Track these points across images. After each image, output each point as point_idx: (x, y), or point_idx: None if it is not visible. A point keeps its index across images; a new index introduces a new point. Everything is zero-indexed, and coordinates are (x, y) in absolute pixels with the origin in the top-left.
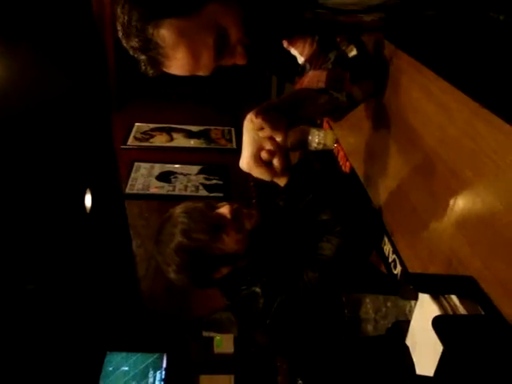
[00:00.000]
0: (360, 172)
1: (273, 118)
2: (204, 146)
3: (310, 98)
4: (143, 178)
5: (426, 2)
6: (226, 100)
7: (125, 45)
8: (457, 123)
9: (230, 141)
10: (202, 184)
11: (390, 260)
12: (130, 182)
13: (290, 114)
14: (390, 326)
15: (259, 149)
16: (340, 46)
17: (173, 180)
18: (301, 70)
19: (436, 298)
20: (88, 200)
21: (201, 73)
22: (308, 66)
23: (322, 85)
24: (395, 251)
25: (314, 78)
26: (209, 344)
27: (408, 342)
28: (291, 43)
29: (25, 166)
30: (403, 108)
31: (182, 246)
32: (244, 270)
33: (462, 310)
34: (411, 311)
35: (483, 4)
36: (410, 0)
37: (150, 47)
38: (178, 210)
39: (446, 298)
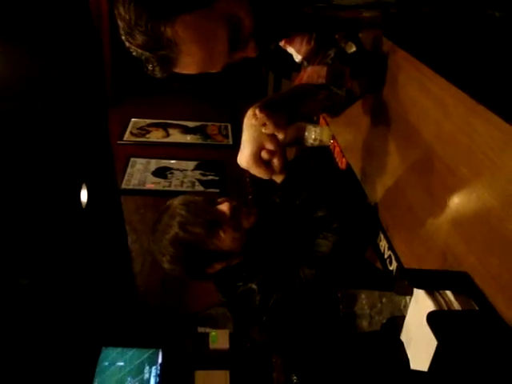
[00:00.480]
0: (356, 168)
1: (276, 114)
2: (200, 141)
3: (310, 94)
4: (139, 173)
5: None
6: (222, 96)
7: (130, 45)
8: (453, 120)
9: (227, 137)
10: (198, 180)
11: (386, 256)
12: (126, 178)
13: (290, 110)
14: (384, 321)
15: (260, 148)
16: (339, 43)
17: (169, 176)
18: (298, 67)
19: (431, 293)
20: (84, 195)
21: (213, 69)
22: (305, 63)
23: (322, 80)
24: (391, 247)
25: (313, 74)
26: (204, 340)
27: (403, 337)
28: (288, 41)
29: (21, 161)
30: (400, 104)
31: (177, 238)
32: (240, 266)
33: (456, 306)
34: (406, 307)
35: (480, 1)
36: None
37: (162, 46)
38: (177, 201)
39: (440, 294)
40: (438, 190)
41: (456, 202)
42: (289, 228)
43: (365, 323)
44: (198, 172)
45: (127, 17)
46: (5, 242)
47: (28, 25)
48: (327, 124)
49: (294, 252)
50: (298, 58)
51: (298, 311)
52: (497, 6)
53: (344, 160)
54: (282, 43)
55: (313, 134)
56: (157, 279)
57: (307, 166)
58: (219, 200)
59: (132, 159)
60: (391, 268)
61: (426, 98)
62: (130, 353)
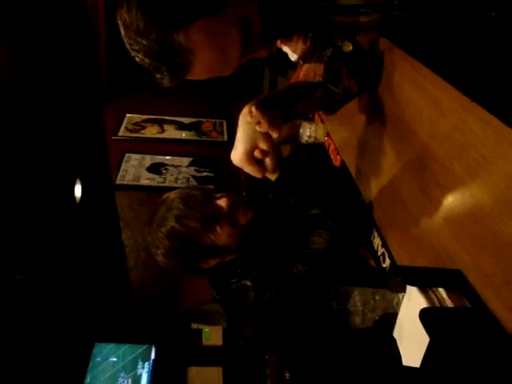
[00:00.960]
0: (351, 166)
1: (271, 113)
2: (195, 138)
3: (306, 92)
4: (134, 169)
5: (422, 2)
6: (218, 92)
7: (136, 54)
8: (448, 118)
9: (222, 133)
10: (192, 176)
11: (379, 254)
12: (120, 173)
13: (286, 108)
14: (377, 318)
15: (253, 146)
16: (335, 43)
17: (163, 172)
18: (294, 64)
19: (424, 290)
20: (78, 190)
21: (226, 73)
22: (301, 62)
23: (319, 78)
24: (384, 245)
25: (309, 72)
26: (197, 336)
27: (395, 334)
28: (283, 41)
29: (15, 156)
30: (395, 102)
31: (173, 232)
32: (235, 262)
33: (449, 303)
34: (399, 304)
35: (477, 2)
36: (405, 2)
37: (174, 53)
38: (175, 194)
39: (433, 291)
40: (431, 187)
41: (449, 199)
42: (283, 225)
43: (358, 320)
44: (192, 168)
45: (134, 24)
46: None
47: (23, 20)
48: (322, 121)
49: (288, 249)
50: (293, 57)
51: (292, 308)
52: (493, 7)
53: (339, 157)
54: (277, 42)
55: (308, 132)
56: (151, 275)
57: (302, 164)
58: (217, 195)
59: (127, 155)
60: (384, 265)
61: (421, 96)
62: (123, 348)
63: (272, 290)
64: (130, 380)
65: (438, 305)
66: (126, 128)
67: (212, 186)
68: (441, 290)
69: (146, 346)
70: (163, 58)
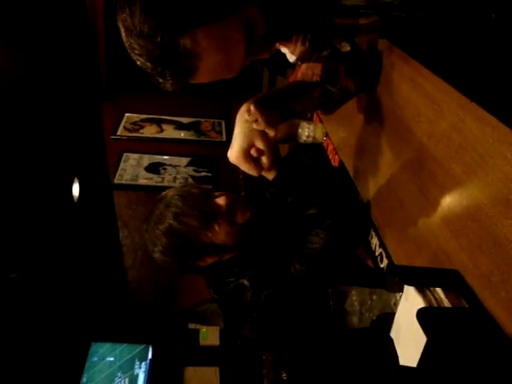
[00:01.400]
0: (349, 166)
1: (268, 111)
2: (194, 138)
3: (304, 91)
4: (132, 168)
5: (422, 4)
6: (217, 92)
7: (138, 58)
8: (446, 118)
9: (220, 133)
10: (191, 176)
11: (377, 254)
12: (118, 173)
13: (283, 108)
14: (375, 318)
15: (250, 144)
16: (334, 43)
17: (162, 171)
18: (292, 64)
19: (421, 290)
20: (76, 189)
21: (230, 75)
22: (300, 63)
23: (316, 78)
24: (382, 245)
25: (307, 71)
26: (195, 336)
27: (393, 334)
28: (282, 42)
29: (13, 154)
30: (393, 102)
31: (171, 229)
32: (232, 262)
33: (446, 303)
34: (396, 304)
35: (477, 4)
36: (405, 2)
37: (179, 58)
38: (174, 192)
39: (431, 291)
40: (429, 187)
41: (447, 199)
42: (281, 224)
43: (355, 320)
44: (191, 168)
45: (138, 28)
46: None
47: (22, 19)
48: (321, 121)
49: (286, 248)
50: (292, 58)
51: (289, 307)
52: (493, 8)
53: (337, 157)
54: (276, 44)
55: (306, 131)
56: (148, 275)
57: (299, 164)
58: (216, 194)
59: (125, 154)
60: (382, 266)
61: (420, 96)
62: (120, 348)
63: (269, 289)
64: (126, 380)
65: (435, 305)
66: (124, 127)
67: (210, 186)
68: (438, 289)
69: (142, 346)
70: (167, 63)
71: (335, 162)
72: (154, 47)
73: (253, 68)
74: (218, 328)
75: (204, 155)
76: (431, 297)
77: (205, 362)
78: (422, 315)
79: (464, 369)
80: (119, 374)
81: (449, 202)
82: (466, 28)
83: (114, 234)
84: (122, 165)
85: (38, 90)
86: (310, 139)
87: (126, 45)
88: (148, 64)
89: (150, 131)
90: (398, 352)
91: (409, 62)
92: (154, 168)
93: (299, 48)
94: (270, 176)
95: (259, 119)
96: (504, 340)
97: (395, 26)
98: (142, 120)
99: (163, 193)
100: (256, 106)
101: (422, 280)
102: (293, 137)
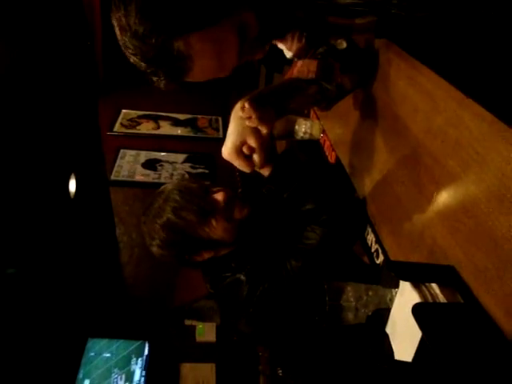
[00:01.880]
0: (345, 162)
1: (262, 108)
2: (191, 134)
3: (299, 89)
4: (129, 164)
5: (419, 4)
6: (214, 89)
7: (133, 58)
8: (442, 114)
9: (217, 130)
10: (187, 172)
11: (373, 250)
12: (115, 169)
13: (278, 105)
14: (370, 314)
15: (242, 142)
16: (330, 41)
17: (158, 168)
18: (289, 61)
19: (417, 286)
20: (72, 185)
21: (222, 75)
22: (296, 60)
23: (312, 75)
24: (378, 241)
25: (303, 68)
26: (191, 332)
27: (388, 329)
28: (278, 39)
29: (9, 150)
30: (390, 98)
31: (169, 223)
32: (229, 256)
33: (442, 299)
34: (392, 300)
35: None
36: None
37: (173, 59)
38: (172, 186)
39: (426, 287)
40: (426, 183)
41: (443, 195)
42: (277, 220)
43: (350, 316)
44: (187, 165)
45: (132, 28)
46: None
47: (18, 15)
48: (318, 118)
49: (282, 244)
50: (288, 54)
51: (284, 303)
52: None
53: (334, 154)
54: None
55: (303, 128)
56: (144, 271)
57: (295, 160)
58: (214, 189)
59: (122, 150)
60: (378, 262)
61: (417, 92)
62: (117, 344)
63: (265, 285)
64: (123, 376)
65: (430, 300)
66: (121, 124)
67: (208, 182)
68: (434, 285)
69: (139, 342)
70: (161, 63)
71: (332, 159)
72: (148, 48)
73: (250, 65)
74: (214, 324)
75: (201, 152)
76: (427, 292)
77: (201, 359)
78: (417, 311)
79: (459, 364)
80: (116, 370)
81: (445, 198)
82: (463, 25)
83: (110, 231)
84: (118, 161)
85: (35, 87)
86: (307, 136)
87: (120, 43)
88: (142, 63)
89: (146, 128)
90: (394, 347)
91: (405, 59)
92: (150, 164)
93: (296, 45)
94: (265, 172)
95: (253, 116)
96: (499, 335)
97: (393, 24)
98: (139, 116)
99: (162, 187)
100: (250, 104)
101: (418, 276)
102: (290, 133)
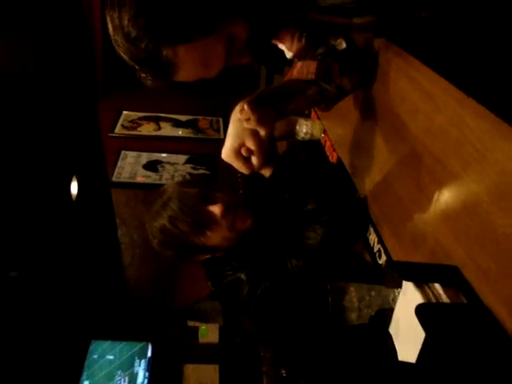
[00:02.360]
0: (347, 162)
1: (261, 110)
2: (192, 135)
3: (299, 90)
4: (130, 166)
5: (419, 4)
6: (214, 90)
7: (123, 56)
8: (443, 113)
9: (218, 131)
10: (189, 174)
11: (375, 250)
12: (116, 171)
13: (278, 106)
14: (373, 314)
15: (240, 144)
16: (329, 41)
17: (160, 169)
18: (290, 62)
19: (420, 286)
20: (74, 187)
21: (208, 77)
22: (296, 60)
23: (311, 76)
24: (380, 241)
25: (303, 69)
26: (194, 333)
27: (391, 330)
28: (279, 39)
29: (10, 152)
30: (391, 98)
31: (165, 228)
32: (230, 255)
33: (445, 299)
34: (395, 300)
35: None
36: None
37: (160, 64)
38: (173, 190)
39: (429, 287)
40: (427, 183)
41: (445, 195)
42: (279, 220)
43: (353, 316)
44: (188, 166)
45: (125, 29)
46: None
47: (18, 15)
48: (319, 118)
49: (283, 244)
50: (289, 54)
51: (285, 302)
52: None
53: (335, 154)
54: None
55: (304, 128)
56: (147, 272)
57: (296, 161)
58: (217, 195)
59: (123, 152)
60: (380, 262)
61: (417, 91)
62: (120, 346)
63: (266, 283)
64: (126, 378)
65: (433, 300)
66: (122, 125)
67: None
68: (437, 285)
69: (142, 344)
70: (149, 66)
71: (333, 159)
72: (138, 51)
73: (250, 66)
74: (217, 325)
75: (202, 153)
76: (430, 292)
77: (204, 360)
78: (420, 311)
79: (463, 364)
80: (119, 372)
81: (447, 197)
82: (463, 23)
83: (112, 232)
84: (119, 163)
85: (35, 88)
86: (308, 136)
87: (112, 39)
88: (130, 62)
89: (147, 129)
90: (397, 348)
91: (405, 59)
92: (152, 166)
93: (295, 45)
94: (266, 173)
95: (251, 118)
96: (503, 335)
97: (391, 24)
98: (140, 118)
99: (165, 186)
100: (249, 105)
101: (421, 276)
102: (291, 134)
